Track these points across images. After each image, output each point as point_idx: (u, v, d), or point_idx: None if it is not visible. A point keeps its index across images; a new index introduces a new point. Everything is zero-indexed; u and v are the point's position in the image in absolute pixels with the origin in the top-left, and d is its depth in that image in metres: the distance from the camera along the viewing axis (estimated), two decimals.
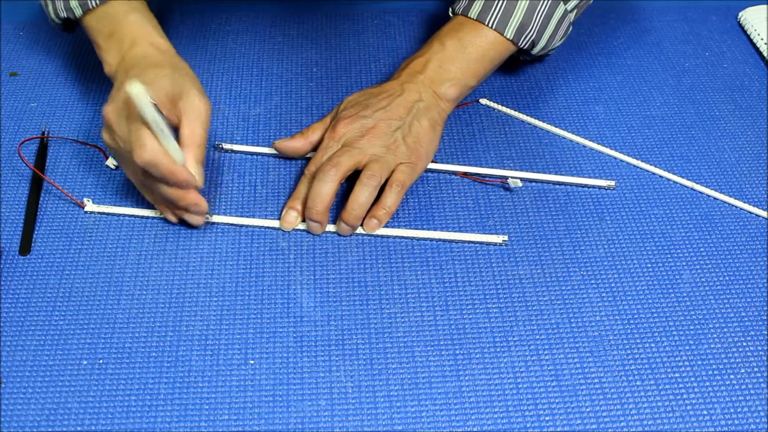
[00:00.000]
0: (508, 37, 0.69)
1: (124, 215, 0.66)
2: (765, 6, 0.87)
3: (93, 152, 0.71)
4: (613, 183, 0.70)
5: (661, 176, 0.71)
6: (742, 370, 0.58)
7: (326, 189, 0.62)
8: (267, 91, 0.78)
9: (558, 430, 0.54)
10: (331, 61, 0.81)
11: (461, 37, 0.70)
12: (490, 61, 0.71)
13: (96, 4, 0.66)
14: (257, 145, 0.72)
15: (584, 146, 0.73)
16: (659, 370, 0.57)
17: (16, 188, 0.68)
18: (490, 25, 0.69)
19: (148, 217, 0.66)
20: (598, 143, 0.73)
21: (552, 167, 0.71)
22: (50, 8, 0.69)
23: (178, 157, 0.58)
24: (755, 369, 0.58)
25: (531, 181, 0.70)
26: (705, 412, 0.55)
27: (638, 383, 0.57)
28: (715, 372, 0.57)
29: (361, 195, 0.63)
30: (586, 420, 0.55)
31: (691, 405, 0.56)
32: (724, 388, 0.56)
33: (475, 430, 0.54)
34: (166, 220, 0.65)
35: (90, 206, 0.66)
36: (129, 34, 0.65)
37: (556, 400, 0.56)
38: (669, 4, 0.90)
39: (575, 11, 0.73)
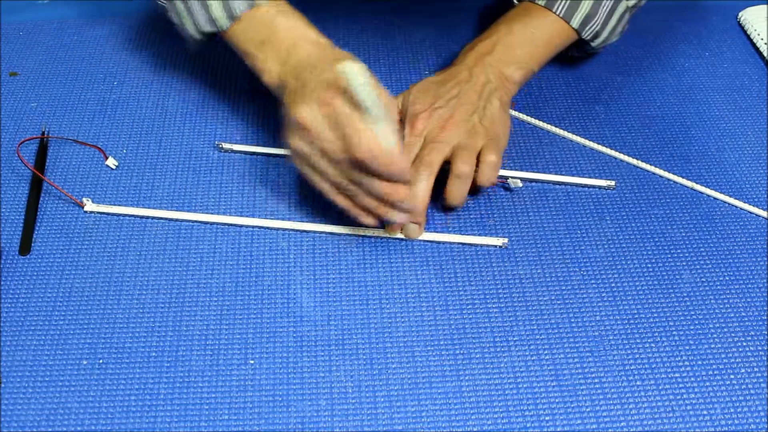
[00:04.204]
0: (573, 26, 0.71)
1: (124, 215, 0.66)
2: (765, 6, 0.87)
3: (93, 152, 0.71)
4: (613, 183, 0.70)
5: (661, 176, 0.71)
6: (742, 370, 0.58)
7: (422, 188, 0.62)
8: (267, 91, 0.77)
9: (558, 430, 0.54)
10: None
11: (528, 23, 0.71)
12: (554, 47, 0.72)
13: (240, 11, 0.63)
14: (257, 145, 0.72)
15: (584, 146, 0.73)
16: (659, 370, 0.57)
17: (16, 188, 0.68)
18: (558, 12, 0.70)
19: (148, 217, 0.66)
20: (598, 143, 0.73)
21: (552, 167, 0.71)
22: (188, 24, 0.66)
23: (392, 142, 0.54)
24: (755, 369, 0.58)
25: (531, 181, 0.70)
26: (705, 412, 0.55)
27: (638, 383, 0.57)
28: (715, 372, 0.57)
29: (459, 189, 0.63)
30: (586, 420, 0.55)
31: (691, 405, 0.56)
32: (724, 388, 0.56)
33: (475, 430, 0.54)
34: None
35: (90, 206, 0.66)
36: (285, 38, 0.62)
37: (556, 400, 0.56)
38: (669, 4, 0.90)
39: (633, 9, 0.75)
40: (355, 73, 0.50)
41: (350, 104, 0.54)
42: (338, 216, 0.66)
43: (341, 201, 0.61)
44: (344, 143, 0.56)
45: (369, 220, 0.62)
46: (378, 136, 0.54)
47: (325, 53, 0.61)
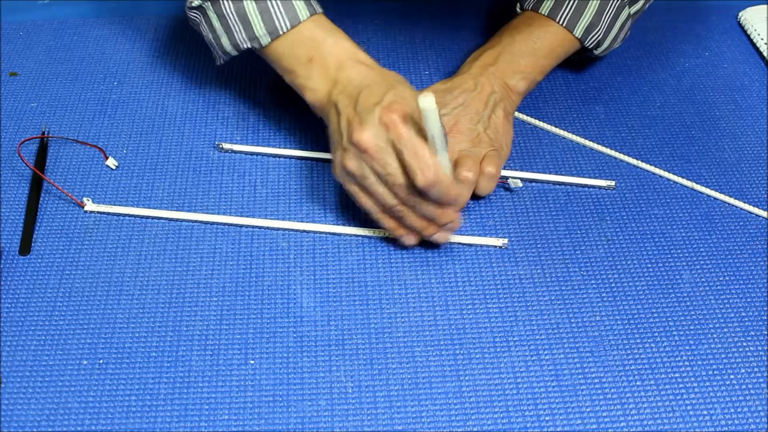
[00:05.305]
0: (576, 35, 0.71)
1: (124, 215, 0.66)
2: (765, 6, 0.87)
3: (93, 152, 0.71)
4: (613, 183, 0.70)
5: (661, 176, 0.71)
6: (742, 370, 0.58)
7: None
8: (267, 91, 0.78)
9: (558, 430, 0.54)
10: None
11: (531, 32, 0.71)
12: (557, 57, 0.72)
13: (286, 29, 0.62)
14: (257, 145, 0.72)
15: (584, 146, 0.73)
16: (659, 370, 0.57)
17: (16, 188, 0.68)
18: (560, 22, 0.70)
19: (148, 217, 0.66)
20: (598, 143, 0.73)
21: (552, 167, 0.71)
22: (224, 41, 0.64)
23: (449, 173, 0.58)
24: (755, 369, 0.58)
25: (531, 181, 0.70)
26: (705, 412, 0.55)
27: (638, 383, 0.57)
28: (715, 372, 0.57)
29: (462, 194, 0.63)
30: (586, 420, 0.55)
31: (691, 405, 0.56)
32: (724, 388, 0.56)
33: (475, 430, 0.54)
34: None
35: (90, 206, 0.66)
36: (332, 57, 0.62)
37: (556, 400, 0.56)
38: (669, 4, 0.90)
39: (635, 16, 0.75)
40: (434, 108, 0.52)
41: (415, 131, 0.55)
42: (339, 217, 0.66)
43: (387, 222, 0.61)
44: (405, 169, 0.56)
45: (412, 240, 0.62)
46: (441, 164, 0.56)
47: (377, 73, 0.61)
